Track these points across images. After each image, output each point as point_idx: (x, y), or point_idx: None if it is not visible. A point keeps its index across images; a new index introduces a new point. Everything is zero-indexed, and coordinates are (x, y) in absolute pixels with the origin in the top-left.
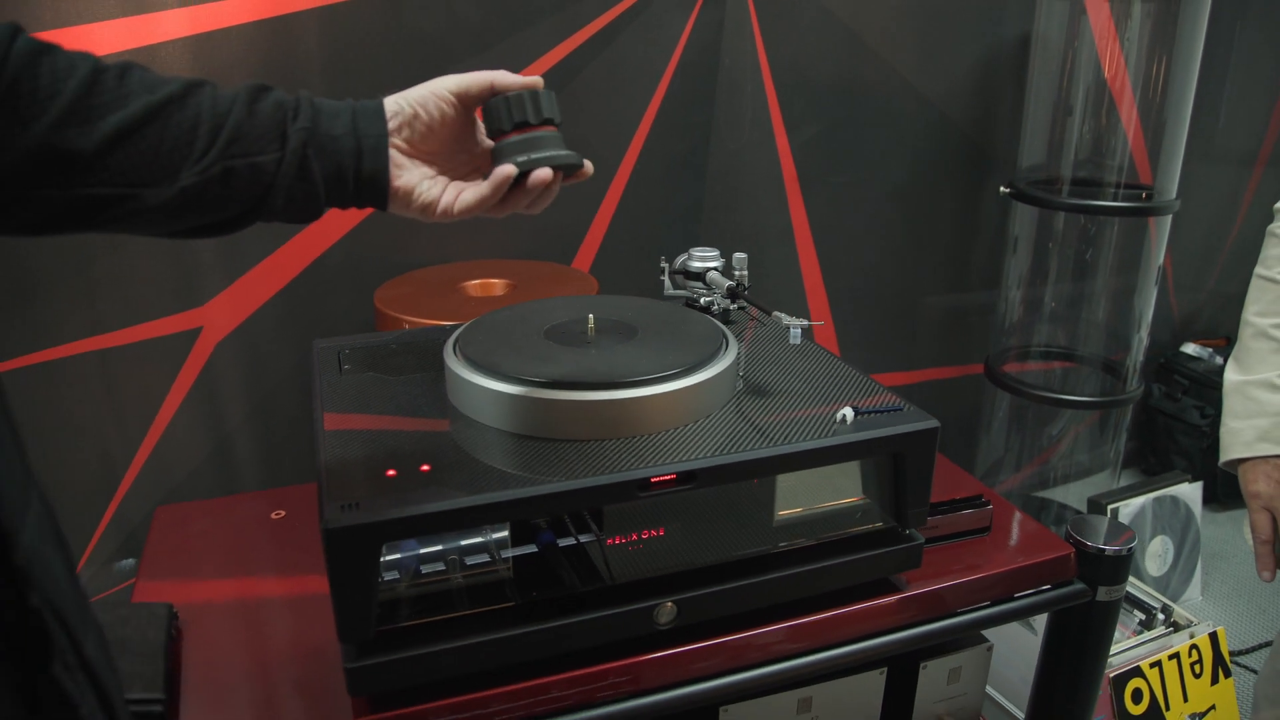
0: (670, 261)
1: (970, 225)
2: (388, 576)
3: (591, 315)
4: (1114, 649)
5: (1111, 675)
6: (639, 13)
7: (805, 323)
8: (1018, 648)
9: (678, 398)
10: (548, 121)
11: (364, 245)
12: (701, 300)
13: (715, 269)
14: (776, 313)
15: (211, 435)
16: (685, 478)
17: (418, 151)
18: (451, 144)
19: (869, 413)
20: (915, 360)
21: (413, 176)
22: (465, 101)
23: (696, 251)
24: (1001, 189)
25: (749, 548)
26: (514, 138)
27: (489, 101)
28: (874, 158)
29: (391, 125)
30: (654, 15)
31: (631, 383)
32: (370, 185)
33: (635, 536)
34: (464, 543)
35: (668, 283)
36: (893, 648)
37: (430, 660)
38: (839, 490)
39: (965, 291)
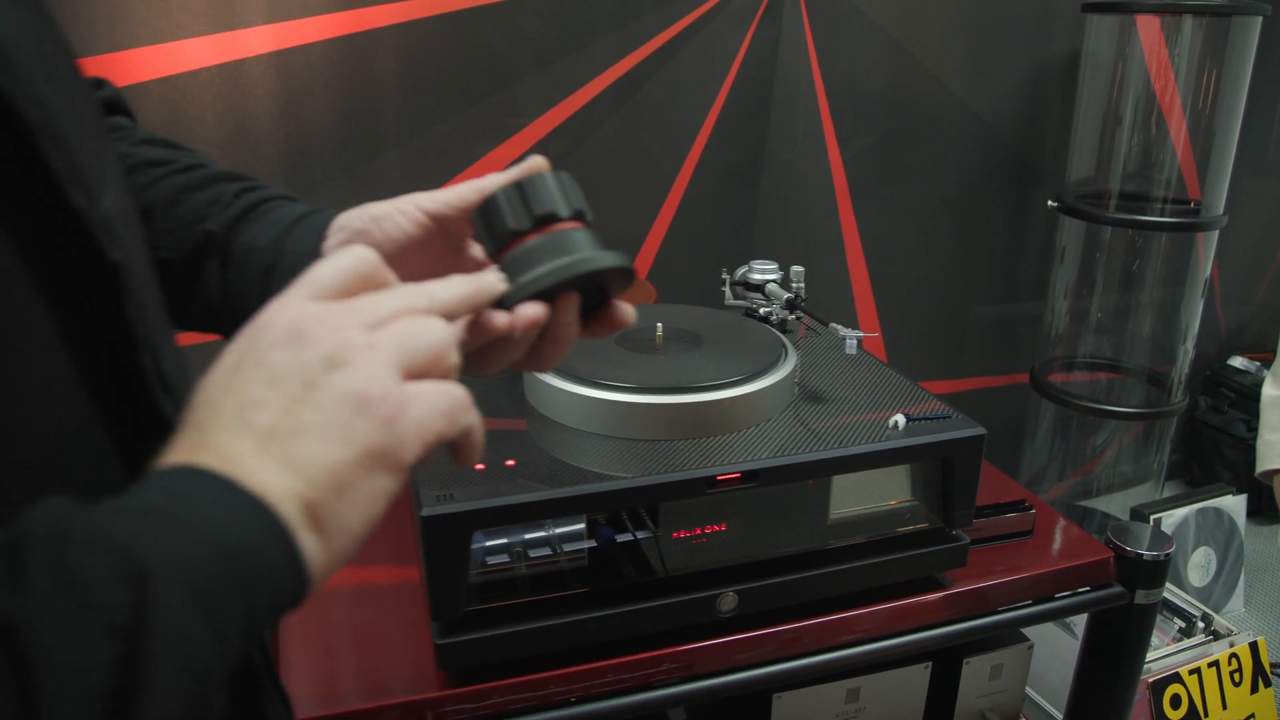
0: (731, 273)
1: (1017, 237)
2: (491, 560)
3: (660, 324)
4: (1154, 655)
5: (1150, 680)
6: (699, 30)
7: (861, 334)
8: (1058, 651)
9: (742, 402)
10: (579, 216)
11: None
12: (760, 310)
13: (774, 281)
14: (833, 324)
15: None
16: (749, 477)
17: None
18: (426, 277)
19: (920, 419)
20: (961, 369)
21: None
22: (444, 224)
23: (756, 264)
24: (1049, 202)
25: (805, 544)
26: (533, 240)
27: (488, 197)
28: (923, 170)
29: (331, 242)
30: (713, 32)
31: (700, 388)
32: None
33: (699, 530)
34: (544, 533)
35: (728, 293)
36: (937, 642)
37: (512, 639)
38: (890, 491)
39: (1012, 302)
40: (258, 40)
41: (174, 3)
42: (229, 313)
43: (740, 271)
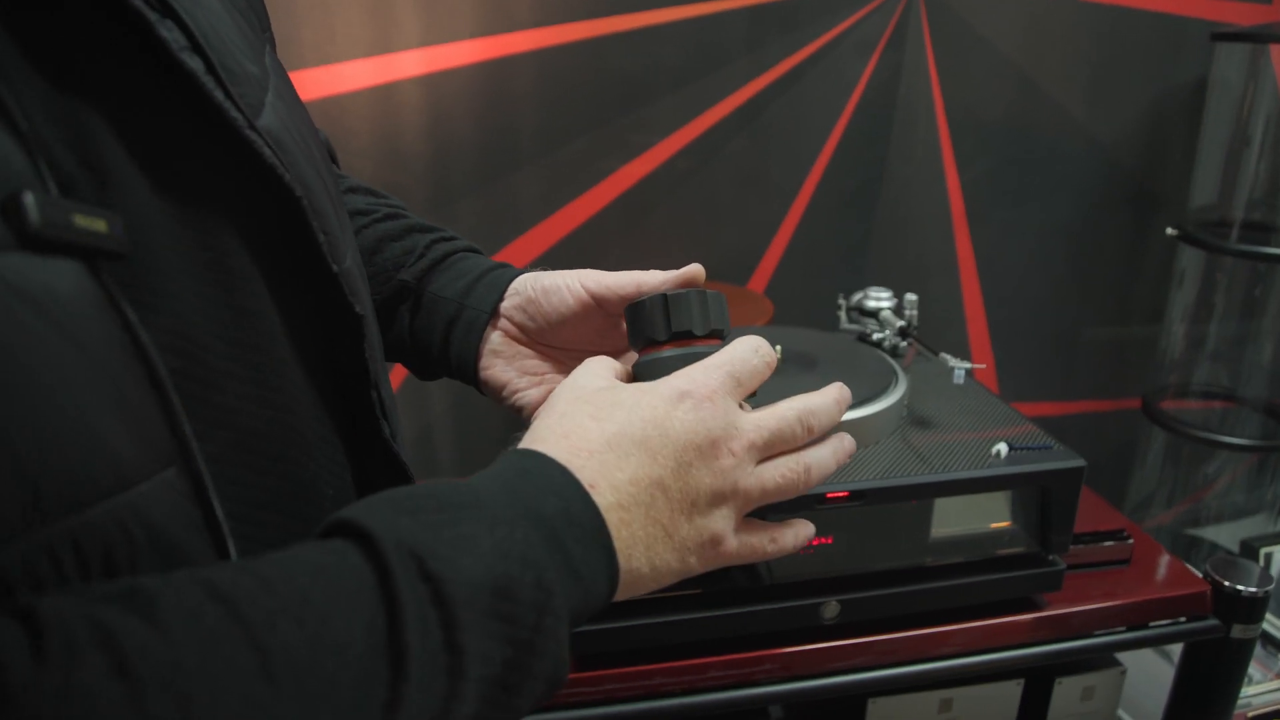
0: (847, 298)
1: (1134, 262)
2: None
3: (779, 346)
4: (1256, 690)
5: (1250, 715)
6: (825, 55)
7: (969, 365)
8: (1156, 677)
9: (853, 426)
10: (715, 334)
11: (556, 264)
12: (874, 336)
13: (888, 309)
14: (943, 354)
15: (418, 419)
16: (856, 495)
17: (534, 343)
18: (580, 346)
19: (1022, 449)
20: (1072, 392)
21: (506, 372)
22: (603, 305)
23: (872, 290)
24: (1169, 230)
25: (906, 560)
26: (667, 352)
27: (637, 301)
28: (1041, 195)
29: (506, 303)
30: (838, 57)
31: None
32: (458, 361)
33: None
34: None
35: (843, 317)
36: (1029, 660)
37: (631, 631)
38: (990, 514)
39: (1126, 326)
40: (410, 64)
41: (338, 30)
42: (415, 350)
43: (856, 297)
